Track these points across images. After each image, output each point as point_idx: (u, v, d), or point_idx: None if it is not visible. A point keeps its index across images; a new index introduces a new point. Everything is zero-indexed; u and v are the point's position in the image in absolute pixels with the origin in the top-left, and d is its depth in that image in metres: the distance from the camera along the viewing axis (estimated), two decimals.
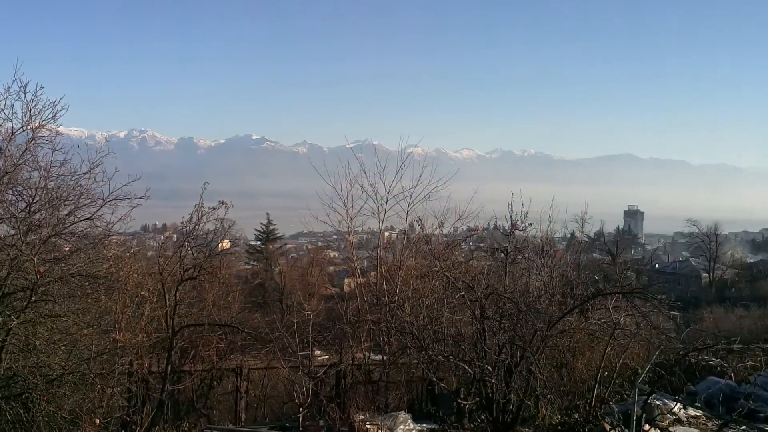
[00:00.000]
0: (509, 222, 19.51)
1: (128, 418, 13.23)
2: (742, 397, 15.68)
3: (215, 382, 15.54)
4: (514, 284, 16.70)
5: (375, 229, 20.15)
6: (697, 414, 15.81)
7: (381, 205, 18.07)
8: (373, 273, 18.92)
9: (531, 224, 19.78)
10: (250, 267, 57.49)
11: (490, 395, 11.14)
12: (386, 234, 22.31)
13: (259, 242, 60.24)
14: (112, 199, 11.59)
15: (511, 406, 11.29)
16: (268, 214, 61.30)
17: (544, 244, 21.53)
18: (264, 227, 60.09)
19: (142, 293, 13.78)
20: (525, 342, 11.00)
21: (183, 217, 14.24)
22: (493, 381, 10.82)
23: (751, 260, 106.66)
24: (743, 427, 14.79)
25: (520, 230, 19.47)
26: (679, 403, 15.51)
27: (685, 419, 15.64)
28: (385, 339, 15.82)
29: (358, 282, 18.43)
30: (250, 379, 15.97)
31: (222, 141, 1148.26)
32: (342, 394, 14.95)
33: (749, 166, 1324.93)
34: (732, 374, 16.93)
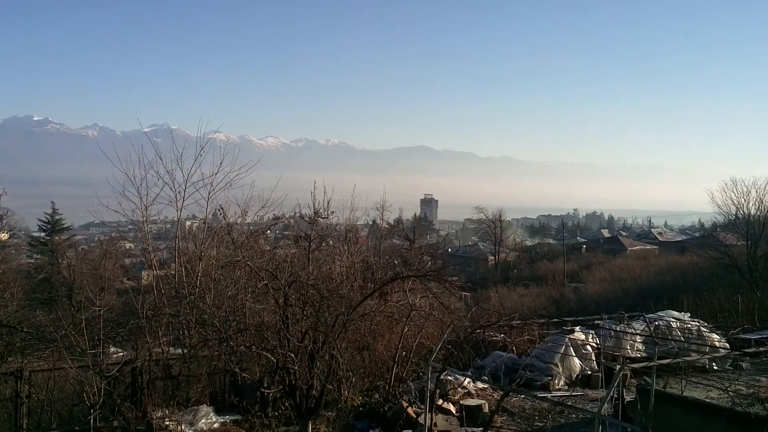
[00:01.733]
0: (313, 210, 19.82)
1: None
2: (521, 368, 17.34)
3: None
4: (317, 271, 16.97)
5: (174, 219, 19.37)
6: (485, 386, 17.27)
7: (179, 192, 17.41)
8: (173, 264, 18.20)
9: (333, 212, 20.25)
10: (33, 261, 52.56)
11: (294, 382, 11.22)
12: (187, 223, 21.55)
13: (43, 233, 55.14)
14: None
15: (314, 392, 11.45)
16: (53, 202, 56.30)
17: (347, 230, 22.16)
18: (49, 217, 55.03)
19: None
20: (327, 327, 11.20)
21: None
22: (296, 368, 10.91)
23: (530, 243, 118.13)
24: (522, 396, 16.40)
25: (324, 218, 19.83)
26: (468, 378, 16.83)
27: (474, 391, 17.03)
28: (186, 332, 15.32)
29: (155, 274, 17.63)
30: (33, 382, 14.57)
31: None
32: (139, 391, 14.23)
33: (530, 159, 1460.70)
34: (513, 348, 18.55)
